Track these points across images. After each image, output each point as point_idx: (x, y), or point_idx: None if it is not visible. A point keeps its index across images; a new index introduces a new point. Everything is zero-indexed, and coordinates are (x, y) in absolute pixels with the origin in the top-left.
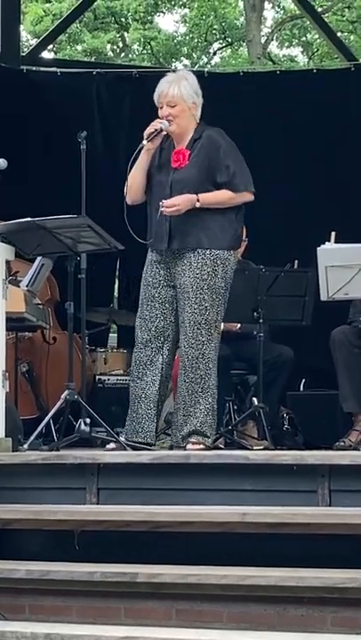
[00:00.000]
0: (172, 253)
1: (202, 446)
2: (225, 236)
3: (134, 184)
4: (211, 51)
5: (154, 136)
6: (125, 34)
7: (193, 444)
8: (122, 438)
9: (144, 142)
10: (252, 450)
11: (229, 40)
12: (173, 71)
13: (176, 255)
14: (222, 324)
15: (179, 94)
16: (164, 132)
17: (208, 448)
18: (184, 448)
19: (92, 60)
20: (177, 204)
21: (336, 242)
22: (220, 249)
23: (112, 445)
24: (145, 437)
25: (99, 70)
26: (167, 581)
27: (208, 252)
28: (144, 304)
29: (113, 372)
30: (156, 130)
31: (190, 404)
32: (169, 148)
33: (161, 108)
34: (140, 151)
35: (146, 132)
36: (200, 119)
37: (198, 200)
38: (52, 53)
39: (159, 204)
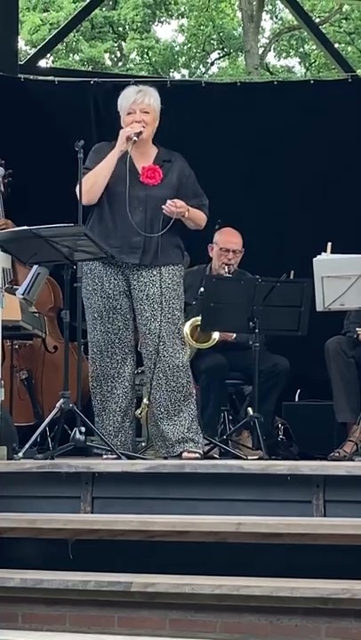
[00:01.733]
0: (135, 266)
1: (197, 455)
2: (181, 248)
3: (98, 183)
4: (208, 61)
5: (133, 142)
6: (123, 43)
7: (188, 452)
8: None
9: (135, 139)
10: (247, 460)
11: (227, 50)
12: (170, 81)
13: (141, 267)
14: (217, 333)
15: (152, 104)
16: (142, 137)
17: (203, 456)
18: (179, 456)
19: (90, 69)
20: (182, 206)
21: (332, 252)
22: (181, 264)
23: (110, 455)
24: (125, 449)
25: (96, 79)
26: (161, 591)
27: (176, 266)
28: (104, 317)
29: None
30: (135, 134)
31: (174, 412)
32: (123, 159)
33: (130, 114)
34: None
35: (128, 133)
36: (198, 133)
37: (188, 211)
38: (50, 62)
39: (131, 219)
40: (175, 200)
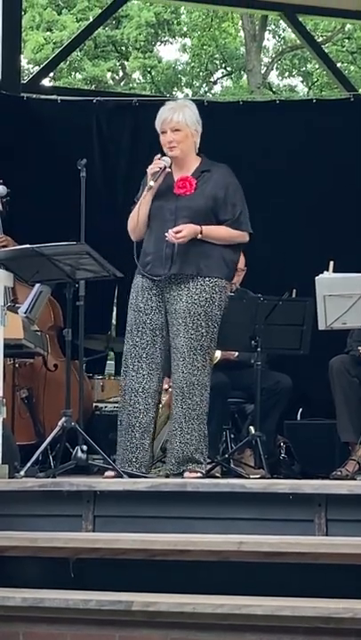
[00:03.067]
0: (167, 279)
1: (199, 474)
2: (224, 265)
3: (141, 222)
4: (211, 80)
5: (159, 175)
6: (126, 62)
7: (190, 471)
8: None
9: (151, 183)
10: (249, 478)
11: (230, 69)
12: (173, 99)
13: (172, 281)
14: (219, 352)
15: (183, 120)
16: (168, 170)
17: (204, 475)
18: (181, 475)
19: (93, 88)
20: (182, 230)
21: (334, 271)
22: (219, 277)
23: (111, 473)
24: (139, 467)
25: (99, 98)
26: (162, 610)
27: (208, 279)
28: (134, 330)
29: (110, 400)
30: (160, 168)
31: (186, 430)
32: (166, 175)
33: (163, 133)
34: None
35: (150, 172)
36: (200, 151)
37: (201, 232)
38: (53, 81)
39: (164, 231)
40: (178, 228)
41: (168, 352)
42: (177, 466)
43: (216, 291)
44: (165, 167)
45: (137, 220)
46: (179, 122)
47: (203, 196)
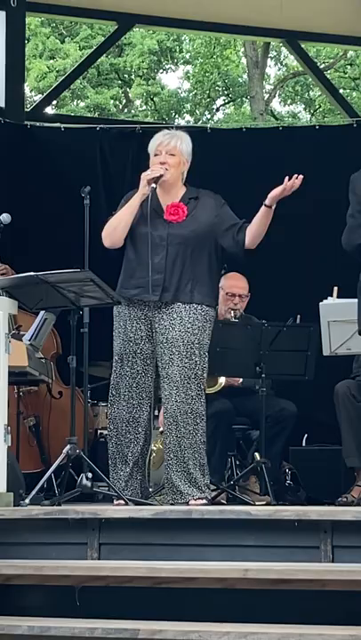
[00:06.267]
0: (157, 307)
1: (204, 501)
2: (212, 292)
3: (120, 226)
4: (214, 107)
5: (155, 181)
6: (128, 90)
7: (194, 500)
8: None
9: (153, 185)
10: (255, 505)
11: (232, 96)
12: (177, 127)
13: (162, 309)
14: (224, 378)
15: (179, 147)
16: (164, 179)
17: (210, 502)
18: (186, 504)
19: (96, 115)
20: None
21: (338, 297)
22: (209, 306)
23: (121, 501)
24: (132, 496)
25: (102, 126)
26: (168, 638)
27: (200, 307)
28: (124, 360)
29: None
30: (160, 175)
31: (181, 459)
32: (150, 200)
33: (156, 155)
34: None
35: (149, 177)
36: (203, 178)
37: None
38: (56, 109)
39: (153, 257)
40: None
41: (157, 380)
42: (179, 495)
43: (207, 319)
44: (162, 175)
45: (116, 224)
46: (175, 147)
47: (195, 222)
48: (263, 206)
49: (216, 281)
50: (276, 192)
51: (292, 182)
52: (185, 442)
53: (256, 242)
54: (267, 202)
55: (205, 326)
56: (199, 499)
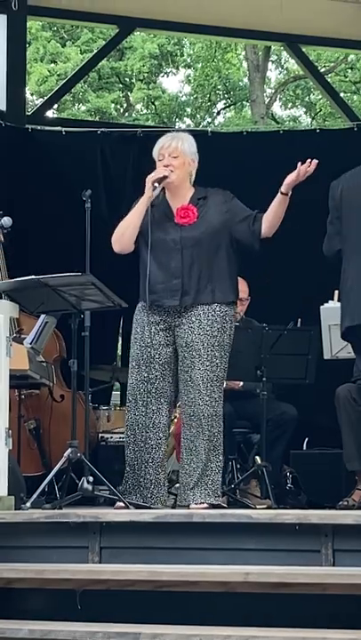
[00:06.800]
0: (176, 311)
1: (205, 505)
2: (232, 289)
3: (129, 230)
4: (214, 111)
5: (160, 182)
6: (129, 94)
7: (215, 502)
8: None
9: (157, 185)
10: (255, 509)
11: (233, 100)
12: (178, 130)
13: (182, 313)
14: (225, 381)
15: (181, 147)
16: (169, 180)
17: (211, 506)
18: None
19: (97, 119)
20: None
21: (338, 300)
22: (229, 304)
23: (121, 504)
24: (155, 503)
25: (103, 129)
26: None
27: (218, 307)
28: (142, 365)
29: (116, 430)
30: (164, 176)
31: (206, 462)
32: (160, 205)
33: (160, 160)
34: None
35: (153, 179)
36: (204, 181)
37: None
38: (57, 113)
39: (170, 261)
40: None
41: (176, 384)
42: (199, 498)
43: (226, 320)
44: (166, 177)
45: (124, 228)
46: (177, 148)
47: (206, 223)
48: (279, 194)
49: (236, 273)
50: (290, 178)
51: (305, 167)
52: (210, 444)
53: (273, 230)
54: (282, 189)
55: (225, 326)
56: (202, 503)
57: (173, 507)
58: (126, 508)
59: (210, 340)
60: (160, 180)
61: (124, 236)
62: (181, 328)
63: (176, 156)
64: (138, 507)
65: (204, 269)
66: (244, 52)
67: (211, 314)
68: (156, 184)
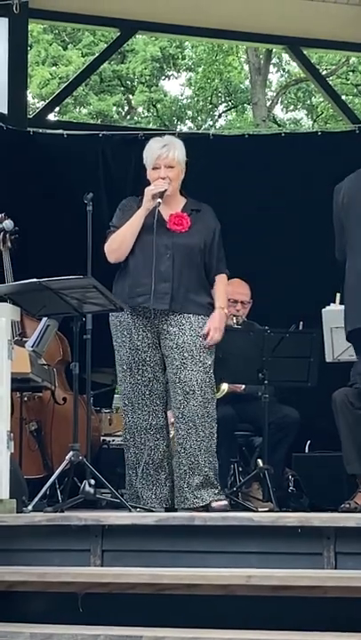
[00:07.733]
0: (163, 314)
1: (224, 502)
2: (210, 299)
3: (125, 243)
4: (216, 113)
5: (160, 196)
6: (131, 97)
7: (216, 501)
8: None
9: (159, 200)
10: (257, 512)
11: (234, 103)
12: (178, 133)
13: (169, 316)
14: (226, 384)
15: (177, 157)
16: (167, 193)
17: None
18: (207, 507)
19: (98, 122)
20: (218, 327)
21: (340, 303)
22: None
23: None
24: (160, 503)
25: (104, 132)
26: None
27: (207, 312)
28: (133, 369)
29: (118, 433)
30: (165, 189)
31: (200, 461)
32: (152, 210)
33: (155, 169)
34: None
35: (153, 192)
36: (206, 185)
37: (223, 308)
38: (59, 116)
39: (158, 265)
40: (208, 331)
41: (167, 386)
42: (200, 500)
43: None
44: (166, 190)
45: (122, 240)
46: (173, 159)
47: (198, 234)
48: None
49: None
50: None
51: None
52: (203, 445)
53: None
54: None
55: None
56: (219, 500)
57: (175, 510)
58: (129, 511)
59: (201, 342)
60: (161, 195)
61: (120, 248)
62: (169, 331)
63: (173, 167)
64: (140, 510)
65: (193, 277)
66: (245, 55)
67: (201, 317)
68: (159, 200)
